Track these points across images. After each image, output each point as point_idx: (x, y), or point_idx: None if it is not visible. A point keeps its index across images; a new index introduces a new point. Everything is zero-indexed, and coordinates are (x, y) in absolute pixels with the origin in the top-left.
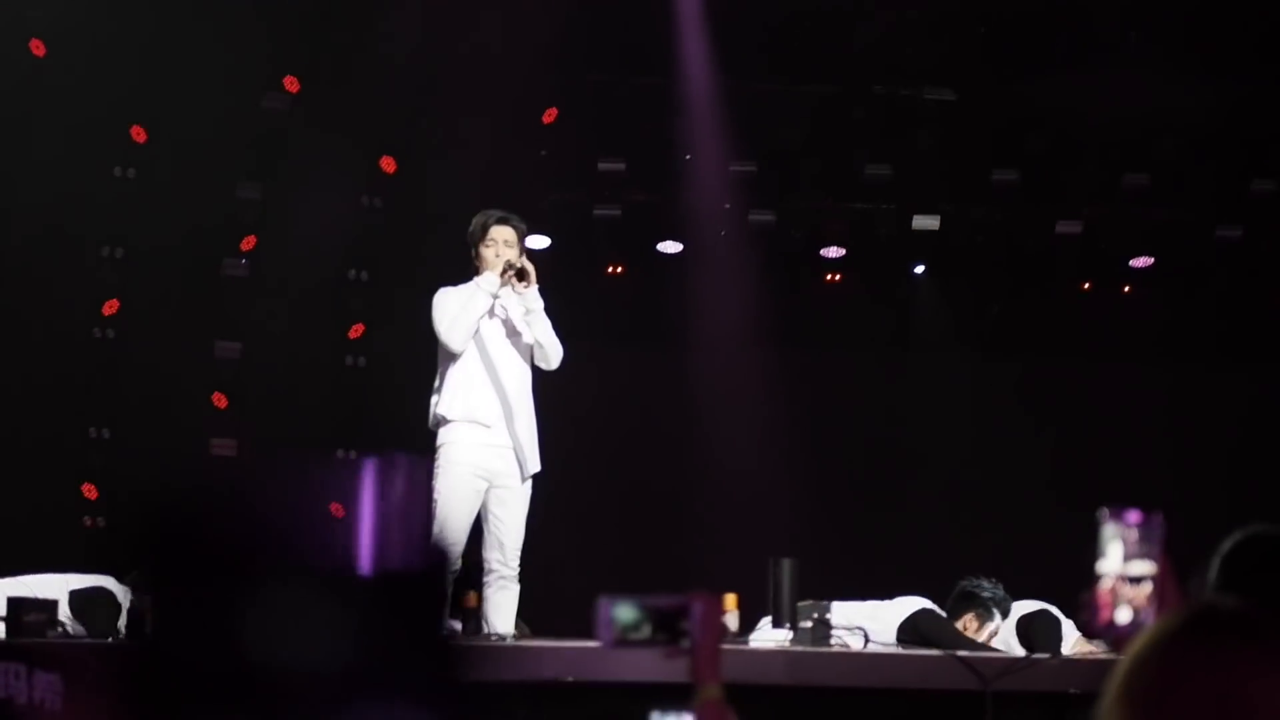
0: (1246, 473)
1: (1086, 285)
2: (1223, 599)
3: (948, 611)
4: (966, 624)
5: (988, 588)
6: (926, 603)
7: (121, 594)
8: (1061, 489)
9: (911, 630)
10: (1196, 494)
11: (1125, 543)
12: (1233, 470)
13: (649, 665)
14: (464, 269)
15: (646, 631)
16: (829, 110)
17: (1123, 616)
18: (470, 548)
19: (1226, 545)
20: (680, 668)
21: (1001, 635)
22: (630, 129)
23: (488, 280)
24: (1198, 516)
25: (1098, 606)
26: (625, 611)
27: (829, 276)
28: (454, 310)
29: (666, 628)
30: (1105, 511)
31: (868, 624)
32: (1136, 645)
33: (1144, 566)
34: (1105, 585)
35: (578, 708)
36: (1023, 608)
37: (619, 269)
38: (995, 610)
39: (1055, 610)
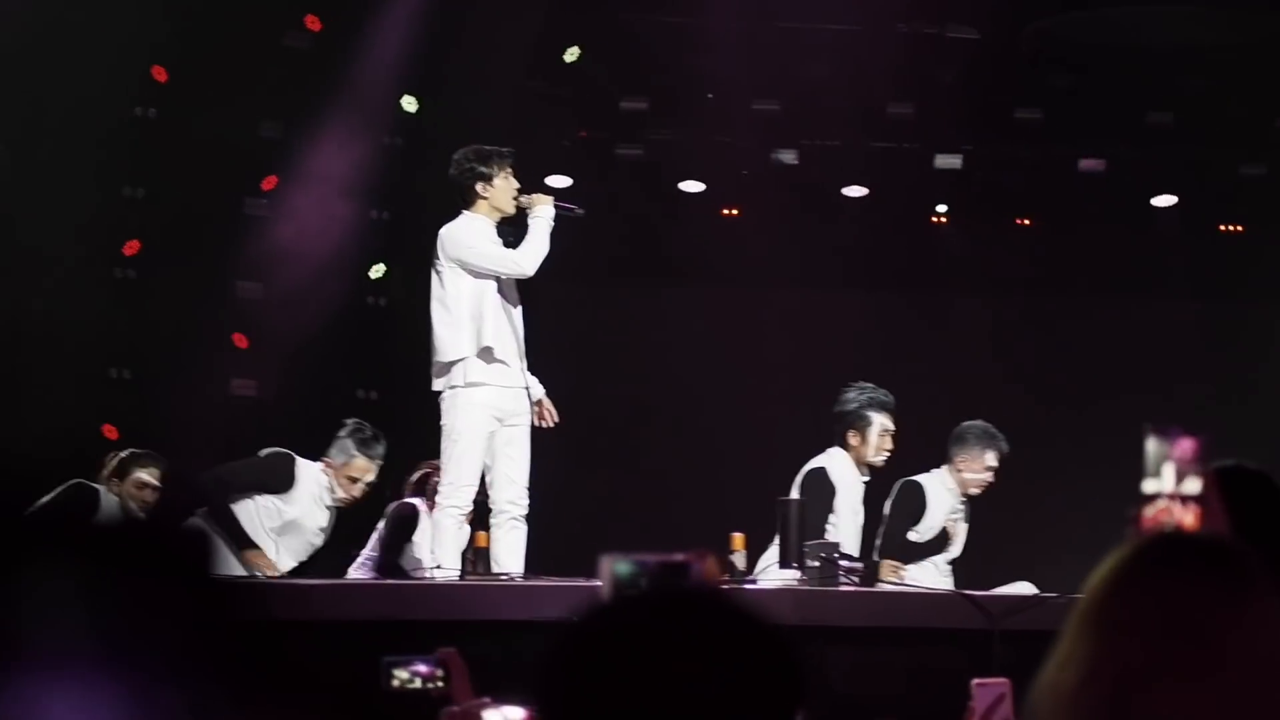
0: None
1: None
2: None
3: (836, 440)
4: (851, 440)
5: (851, 397)
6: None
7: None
8: (1078, 423)
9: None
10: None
11: (1177, 461)
12: (1240, 404)
13: None
14: None
15: (645, 587)
16: (852, 49)
17: None
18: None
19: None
20: None
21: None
22: (653, 67)
23: (547, 212)
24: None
25: (1150, 526)
26: (625, 568)
27: (851, 216)
28: (490, 245)
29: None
30: (1152, 430)
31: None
32: (1101, 571)
33: (1196, 485)
34: (1158, 505)
35: None
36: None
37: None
38: (867, 412)
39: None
